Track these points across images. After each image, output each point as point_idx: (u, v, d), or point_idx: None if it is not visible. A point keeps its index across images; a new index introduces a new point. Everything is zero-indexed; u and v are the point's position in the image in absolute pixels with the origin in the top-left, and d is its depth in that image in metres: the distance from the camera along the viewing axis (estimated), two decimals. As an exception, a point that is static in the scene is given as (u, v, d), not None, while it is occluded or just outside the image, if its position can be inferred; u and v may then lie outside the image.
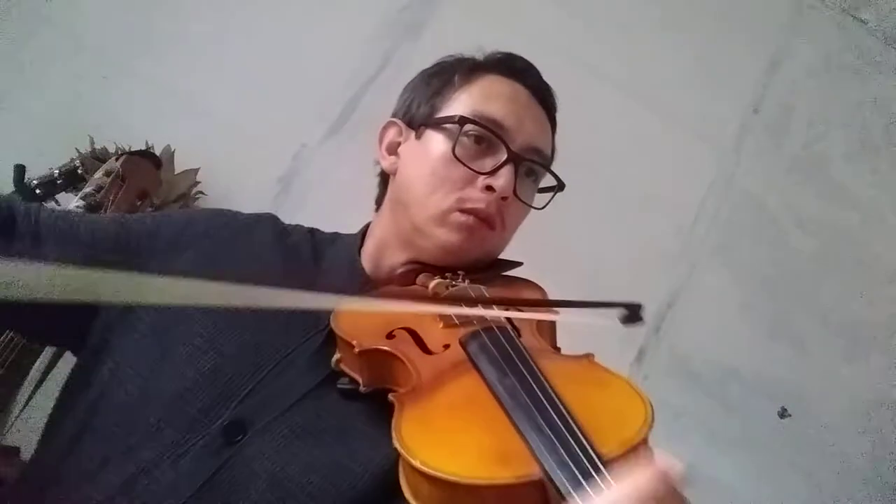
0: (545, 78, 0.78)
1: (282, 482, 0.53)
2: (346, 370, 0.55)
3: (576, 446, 0.34)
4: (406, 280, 0.68)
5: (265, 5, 1.58)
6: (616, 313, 0.46)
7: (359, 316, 0.55)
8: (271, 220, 0.79)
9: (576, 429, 0.36)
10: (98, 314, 0.63)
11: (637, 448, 0.36)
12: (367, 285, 0.70)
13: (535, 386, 0.41)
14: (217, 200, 1.45)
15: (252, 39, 1.55)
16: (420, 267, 0.69)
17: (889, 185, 1.72)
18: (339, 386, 0.56)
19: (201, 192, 1.42)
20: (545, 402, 0.39)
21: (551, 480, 0.33)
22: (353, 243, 0.76)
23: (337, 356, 0.56)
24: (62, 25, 1.49)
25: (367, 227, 0.79)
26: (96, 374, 0.60)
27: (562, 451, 0.34)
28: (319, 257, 0.73)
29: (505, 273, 0.74)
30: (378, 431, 0.55)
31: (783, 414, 1.55)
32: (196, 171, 1.41)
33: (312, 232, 0.78)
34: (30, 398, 1.06)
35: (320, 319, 0.60)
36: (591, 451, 0.34)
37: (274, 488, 0.52)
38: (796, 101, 1.74)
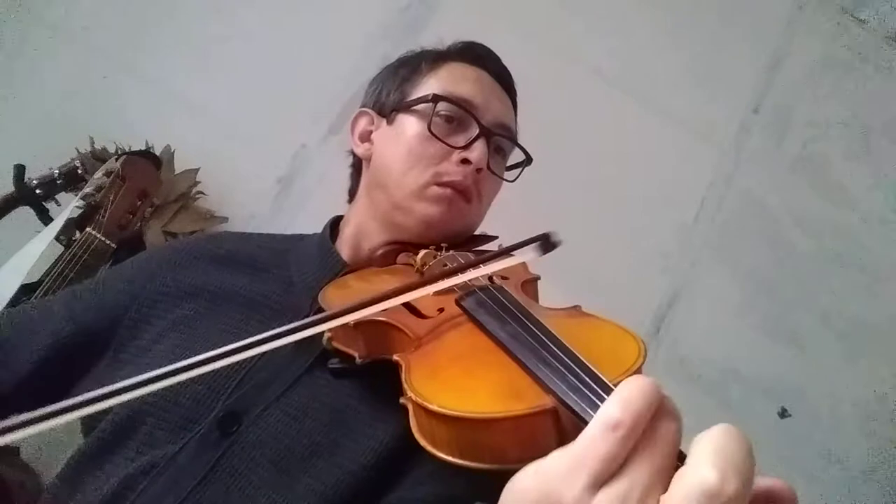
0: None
1: (286, 467, 0.53)
2: (340, 346, 0.55)
3: (583, 373, 0.36)
4: (386, 260, 0.69)
5: (265, 5, 1.58)
6: (532, 248, 0.46)
7: (348, 290, 0.55)
8: (226, 234, 0.82)
9: (581, 359, 0.38)
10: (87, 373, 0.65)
11: None
12: (346, 270, 0.71)
13: (534, 328, 0.43)
14: (217, 200, 1.45)
15: (252, 39, 1.56)
16: (400, 247, 0.70)
17: (889, 185, 1.72)
18: (329, 366, 0.57)
19: (201, 192, 1.42)
20: (547, 340, 0.41)
21: (566, 405, 0.34)
22: (324, 235, 0.77)
23: (328, 334, 0.55)
24: (62, 25, 1.49)
25: (335, 220, 0.81)
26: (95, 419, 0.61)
27: (571, 378, 0.36)
28: (284, 254, 0.74)
29: (479, 248, 0.76)
30: (372, 408, 0.56)
31: (783, 414, 1.55)
32: (196, 171, 1.41)
33: (273, 236, 0.81)
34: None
35: (303, 305, 0.60)
36: (598, 374, 0.36)
37: (278, 472, 0.53)
38: (796, 101, 1.74)
